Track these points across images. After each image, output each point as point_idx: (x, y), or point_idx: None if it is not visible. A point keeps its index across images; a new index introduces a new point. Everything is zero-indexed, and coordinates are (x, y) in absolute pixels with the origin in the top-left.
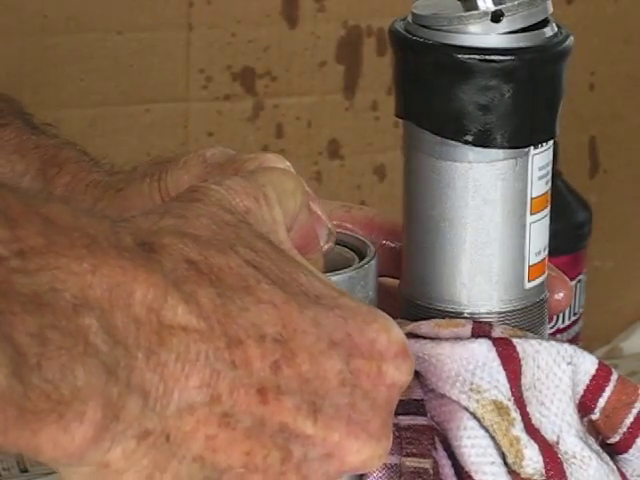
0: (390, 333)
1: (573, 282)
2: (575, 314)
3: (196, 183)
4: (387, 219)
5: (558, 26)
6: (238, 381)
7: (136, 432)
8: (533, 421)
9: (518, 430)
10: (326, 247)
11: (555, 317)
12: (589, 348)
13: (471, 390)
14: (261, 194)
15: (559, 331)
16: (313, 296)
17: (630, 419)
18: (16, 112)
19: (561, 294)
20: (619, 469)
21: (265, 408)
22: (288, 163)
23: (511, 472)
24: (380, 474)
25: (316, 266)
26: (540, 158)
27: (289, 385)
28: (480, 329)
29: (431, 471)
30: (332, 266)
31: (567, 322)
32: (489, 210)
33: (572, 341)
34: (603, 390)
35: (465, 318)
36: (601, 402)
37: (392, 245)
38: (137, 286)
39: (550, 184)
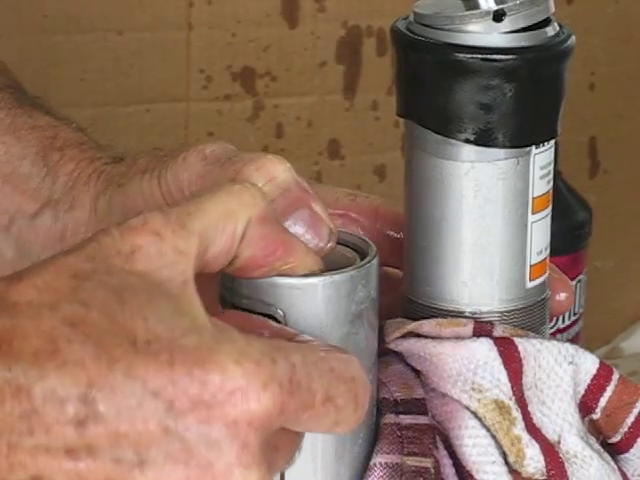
0: (225, 372)
1: (573, 282)
2: (575, 314)
3: (103, 227)
4: (392, 209)
5: (560, 25)
6: (40, 446)
7: None
8: (534, 420)
9: (519, 429)
10: (328, 247)
11: (555, 317)
12: (589, 348)
13: (472, 389)
14: (173, 226)
15: (559, 331)
16: (142, 343)
17: (631, 419)
18: (5, 84)
19: (562, 295)
20: (620, 469)
21: (80, 466)
22: (289, 165)
23: (512, 471)
24: (381, 473)
25: (296, 270)
26: (542, 157)
27: (100, 442)
28: (481, 328)
29: (432, 470)
30: (333, 265)
31: (567, 322)
32: (490, 209)
33: (572, 341)
34: (604, 390)
35: (466, 317)
36: (602, 402)
37: (396, 235)
38: None
39: (552, 184)
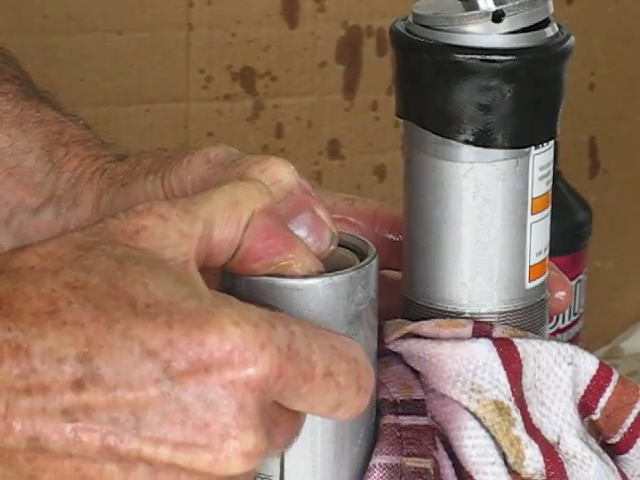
0: (223, 332)
1: (573, 282)
2: (575, 314)
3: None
4: (390, 212)
5: (559, 26)
6: (37, 407)
7: None
8: (534, 421)
9: (519, 430)
10: (329, 250)
11: (555, 317)
12: (589, 348)
13: (472, 390)
14: (178, 211)
15: (559, 331)
16: (141, 306)
17: (631, 419)
18: (13, 75)
19: (562, 294)
20: (619, 469)
21: (76, 427)
22: (292, 167)
23: (512, 472)
24: (380, 474)
25: (295, 270)
26: (541, 158)
27: (97, 402)
28: (481, 329)
29: (432, 471)
30: (333, 266)
31: (567, 322)
32: (490, 210)
33: (572, 341)
34: (604, 390)
35: (466, 318)
36: (602, 402)
37: (394, 239)
38: None
39: (551, 184)
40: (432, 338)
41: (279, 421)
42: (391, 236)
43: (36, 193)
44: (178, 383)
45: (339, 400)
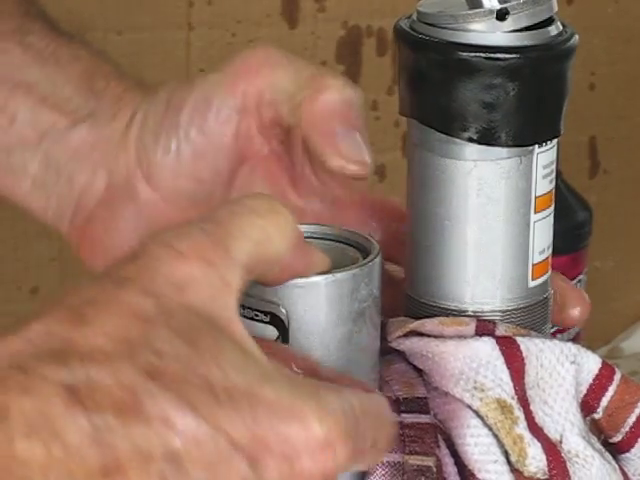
0: (309, 427)
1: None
2: None
3: (146, 240)
4: (387, 200)
5: (563, 24)
6: None
7: None
8: (536, 420)
9: (521, 428)
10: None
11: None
12: (589, 348)
13: (475, 388)
14: (220, 251)
15: (559, 331)
16: (222, 392)
17: (633, 419)
18: (41, 15)
19: (577, 310)
20: (621, 468)
21: None
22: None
23: (514, 470)
24: (383, 472)
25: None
26: (544, 156)
27: None
28: (484, 327)
29: (434, 469)
30: (336, 264)
31: None
32: (493, 208)
33: (572, 341)
34: (606, 390)
35: (469, 316)
36: (604, 401)
37: (393, 227)
38: None
39: (554, 183)
40: (435, 336)
41: None
42: (391, 226)
43: (71, 116)
44: (266, 478)
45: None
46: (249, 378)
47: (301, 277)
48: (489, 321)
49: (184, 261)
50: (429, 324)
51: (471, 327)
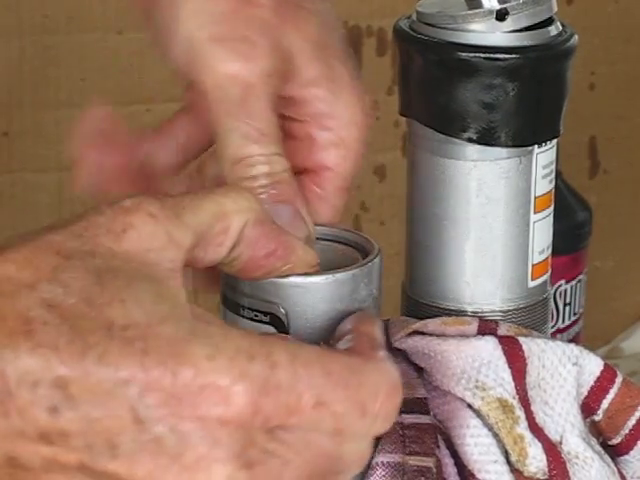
0: (196, 366)
1: (573, 282)
2: (575, 314)
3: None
4: None
5: (562, 25)
6: (14, 429)
7: None
8: (537, 420)
9: (522, 428)
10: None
11: (555, 317)
12: (589, 348)
13: (476, 387)
14: (168, 212)
15: (559, 331)
16: (118, 328)
17: (633, 421)
18: None
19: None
20: (619, 471)
21: (54, 449)
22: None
23: (514, 471)
24: (383, 472)
25: (298, 269)
26: (544, 157)
27: (74, 427)
28: (486, 327)
29: (434, 470)
30: (335, 264)
31: (567, 322)
32: (493, 208)
33: (572, 341)
34: (607, 392)
35: (471, 316)
36: (604, 404)
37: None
38: None
39: (554, 183)
40: (437, 335)
41: (282, 454)
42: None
43: None
44: (151, 413)
45: (340, 428)
46: (151, 317)
47: (292, 274)
48: (491, 321)
49: (127, 213)
50: (431, 324)
51: (473, 327)
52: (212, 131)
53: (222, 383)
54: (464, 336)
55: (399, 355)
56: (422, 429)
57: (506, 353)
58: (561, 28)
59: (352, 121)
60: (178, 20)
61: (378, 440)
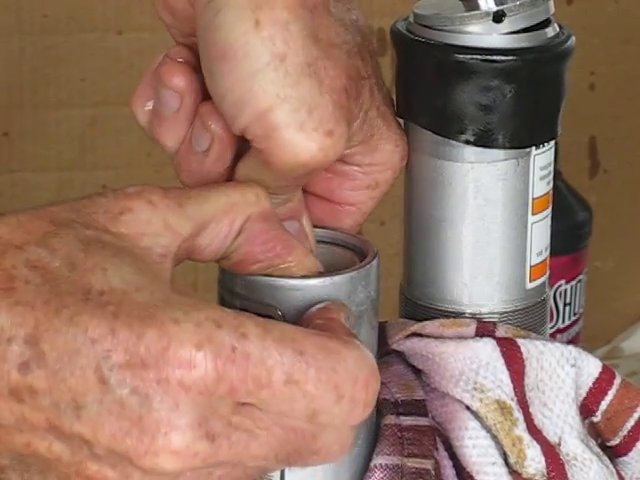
0: (161, 328)
1: (573, 282)
2: (575, 314)
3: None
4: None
5: (560, 26)
6: None
7: None
8: (535, 422)
9: (521, 430)
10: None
11: (555, 317)
12: (589, 348)
13: (474, 389)
14: (170, 201)
15: (559, 331)
16: (95, 293)
17: (631, 423)
18: None
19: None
20: (618, 472)
21: (23, 407)
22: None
23: (512, 472)
24: (381, 475)
25: (294, 271)
26: (541, 158)
27: (41, 384)
28: (484, 329)
29: (432, 472)
30: (333, 267)
31: (567, 322)
32: (490, 210)
33: (572, 341)
34: (606, 393)
35: (469, 318)
36: (603, 405)
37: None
38: None
39: (552, 184)
40: (435, 337)
41: (249, 428)
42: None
43: None
44: (116, 374)
45: (313, 408)
46: (129, 285)
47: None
48: (490, 322)
49: (127, 198)
50: (430, 326)
51: (471, 328)
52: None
53: (186, 347)
54: (462, 338)
55: (396, 357)
56: (420, 431)
57: (504, 355)
58: (558, 29)
59: (390, 167)
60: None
61: (376, 442)
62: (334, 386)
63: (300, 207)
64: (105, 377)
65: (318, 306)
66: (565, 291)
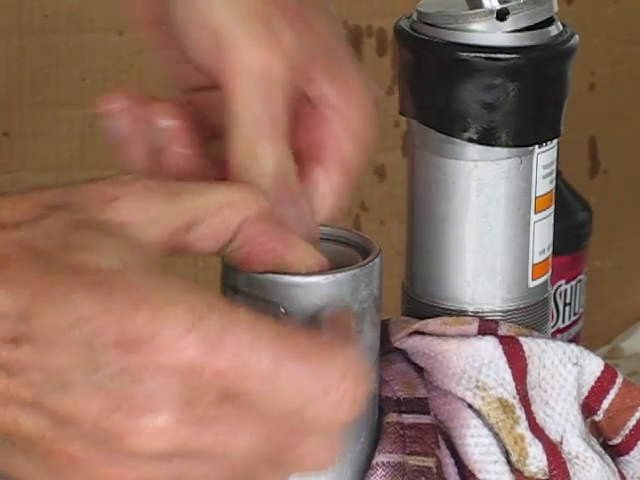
0: (154, 310)
1: (573, 282)
2: (575, 314)
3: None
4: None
5: (563, 25)
6: None
7: None
8: (537, 420)
9: (523, 428)
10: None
11: (555, 317)
12: (589, 348)
13: (477, 387)
14: (166, 189)
15: (559, 331)
16: (90, 271)
17: (633, 422)
18: None
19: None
20: (619, 471)
21: (12, 381)
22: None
23: (514, 471)
24: (383, 473)
25: (298, 268)
26: (544, 157)
27: (31, 360)
28: (487, 327)
29: (434, 470)
30: (336, 264)
31: (567, 322)
32: (493, 209)
33: (572, 341)
34: (608, 392)
35: (471, 316)
36: (605, 404)
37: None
38: None
39: (554, 183)
40: (438, 335)
41: (234, 420)
42: None
43: None
44: (104, 353)
45: (300, 399)
46: (125, 265)
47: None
48: (492, 320)
49: (122, 185)
50: (432, 324)
51: (474, 326)
52: (223, 120)
53: (177, 329)
54: (465, 336)
55: (398, 355)
56: (423, 429)
57: (507, 353)
58: (562, 28)
59: (364, 117)
60: (205, 9)
61: (378, 440)
62: (323, 380)
63: (297, 191)
64: (94, 355)
65: (326, 310)
66: (565, 291)
